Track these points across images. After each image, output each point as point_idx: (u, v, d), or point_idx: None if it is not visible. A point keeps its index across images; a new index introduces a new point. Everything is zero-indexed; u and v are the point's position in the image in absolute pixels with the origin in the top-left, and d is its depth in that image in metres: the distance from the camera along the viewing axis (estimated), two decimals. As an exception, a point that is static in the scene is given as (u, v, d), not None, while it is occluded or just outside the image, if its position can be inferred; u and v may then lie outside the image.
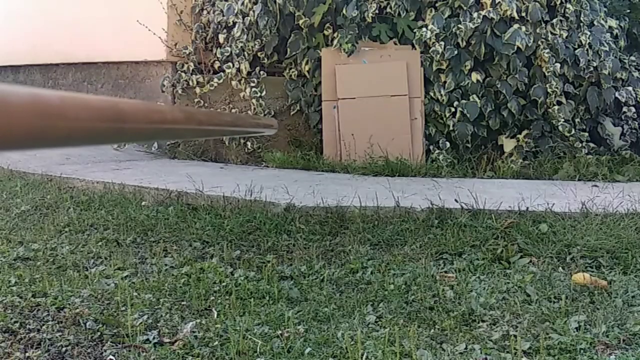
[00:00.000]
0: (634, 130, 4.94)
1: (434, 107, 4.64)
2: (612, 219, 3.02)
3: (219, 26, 5.02)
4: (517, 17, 4.59)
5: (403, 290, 2.38)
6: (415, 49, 4.67)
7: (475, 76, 4.60)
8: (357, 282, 2.48)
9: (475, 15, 4.54)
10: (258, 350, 1.92)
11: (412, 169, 4.34)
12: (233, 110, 4.94)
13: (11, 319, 2.13)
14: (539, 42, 4.65)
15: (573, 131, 4.65)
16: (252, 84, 4.90)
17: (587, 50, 4.72)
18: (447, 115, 4.60)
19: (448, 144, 4.60)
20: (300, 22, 4.75)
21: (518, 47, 4.54)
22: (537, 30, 4.66)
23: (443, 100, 4.61)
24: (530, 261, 2.67)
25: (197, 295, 2.32)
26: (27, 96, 0.21)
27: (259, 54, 4.94)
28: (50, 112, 0.22)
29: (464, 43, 4.57)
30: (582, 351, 1.89)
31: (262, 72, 4.95)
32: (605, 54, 4.76)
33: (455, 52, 4.56)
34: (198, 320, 2.13)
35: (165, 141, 5.18)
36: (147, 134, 0.27)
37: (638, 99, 4.94)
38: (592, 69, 4.74)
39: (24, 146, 0.22)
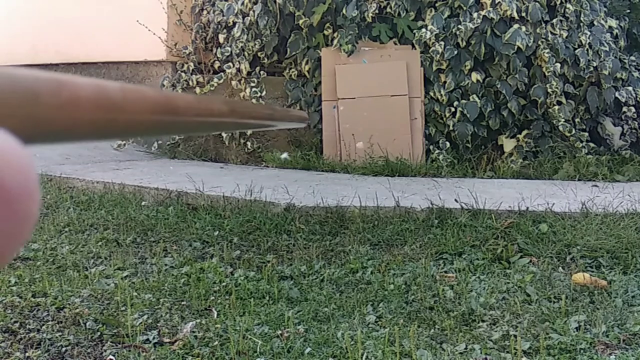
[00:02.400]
0: (634, 130, 4.94)
1: (434, 107, 4.65)
2: (612, 219, 3.02)
3: (219, 26, 5.02)
4: (517, 17, 4.59)
5: (403, 290, 2.38)
6: (415, 49, 4.68)
7: (475, 76, 4.61)
8: (357, 282, 2.48)
9: (475, 15, 4.54)
10: (258, 350, 1.92)
11: (412, 169, 4.34)
12: (233, 110, 4.94)
13: (11, 319, 2.13)
14: (539, 42, 4.65)
15: (573, 131, 4.65)
16: (252, 84, 4.90)
17: (587, 50, 4.72)
18: (447, 115, 4.60)
19: (448, 144, 4.60)
20: (300, 22, 4.76)
21: (518, 47, 4.54)
22: (537, 30, 4.66)
23: (443, 100, 4.61)
24: (530, 261, 2.67)
25: (197, 295, 2.32)
26: (92, 87, 0.21)
27: (259, 54, 4.94)
28: (112, 105, 0.22)
29: (464, 43, 4.57)
30: (582, 351, 1.89)
31: (262, 72, 4.95)
32: (605, 54, 4.76)
33: (455, 52, 4.57)
34: (198, 320, 2.13)
35: (165, 141, 5.18)
36: (196, 127, 0.28)
37: (638, 99, 4.94)
38: (592, 69, 4.74)
39: (85, 138, 0.22)
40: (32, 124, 0.19)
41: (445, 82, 4.61)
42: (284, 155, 4.49)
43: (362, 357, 1.86)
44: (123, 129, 0.23)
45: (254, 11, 4.82)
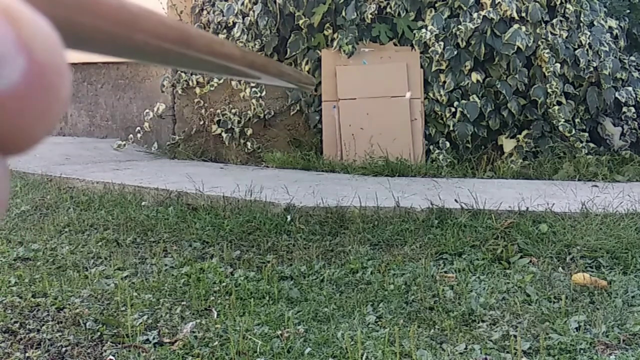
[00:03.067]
0: (634, 130, 4.94)
1: (434, 108, 4.65)
2: (612, 219, 3.02)
3: (219, 26, 5.02)
4: (517, 17, 4.59)
5: (403, 290, 2.38)
6: (415, 50, 4.68)
7: (475, 76, 4.61)
8: (357, 282, 2.48)
9: (475, 15, 4.54)
10: (258, 350, 1.92)
11: (412, 169, 4.34)
12: (233, 111, 4.94)
13: (11, 319, 2.13)
14: (539, 42, 4.65)
15: (573, 131, 4.65)
16: (252, 84, 4.90)
17: (587, 50, 4.72)
18: (447, 115, 4.60)
19: (448, 144, 4.60)
20: (300, 22, 4.76)
21: (518, 47, 4.54)
22: (537, 31, 4.66)
23: (443, 100, 4.61)
24: (530, 261, 2.67)
25: (197, 295, 2.32)
26: (115, 1, 0.22)
27: (258, 53, 4.93)
28: (131, 21, 0.22)
29: (464, 43, 4.57)
30: (582, 351, 1.89)
31: (262, 72, 4.94)
32: (605, 54, 4.76)
33: (455, 52, 4.57)
34: (198, 320, 2.13)
35: (165, 141, 5.18)
36: (205, 64, 0.28)
37: (638, 99, 4.94)
38: (592, 69, 4.74)
39: (100, 50, 0.23)
40: (56, 20, 0.19)
41: (445, 82, 4.61)
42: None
43: (362, 357, 1.86)
44: (137, 48, 0.23)
45: (254, 11, 4.82)
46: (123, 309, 2.21)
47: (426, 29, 4.60)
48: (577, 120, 4.78)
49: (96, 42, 0.21)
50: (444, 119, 4.63)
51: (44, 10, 0.19)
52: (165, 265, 2.66)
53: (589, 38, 4.74)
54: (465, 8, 4.57)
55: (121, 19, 0.21)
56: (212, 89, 4.98)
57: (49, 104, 0.19)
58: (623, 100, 4.85)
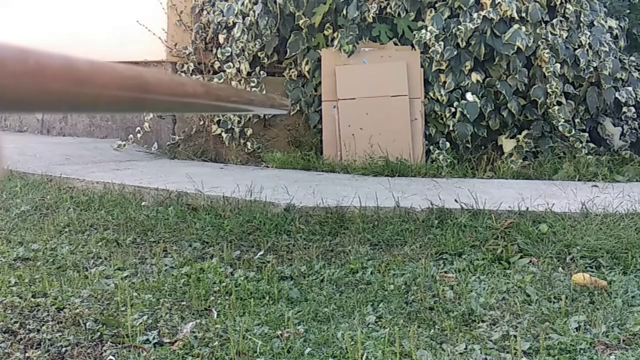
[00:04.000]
0: (634, 130, 4.94)
1: (434, 108, 4.65)
2: (612, 219, 3.02)
3: (219, 26, 5.02)
4: (517, 18, 4.59)
5: (403, 290, 2.38)
6: (415, 49, 4.68)
7: (475, 76, 4.61)
8: (357, 282, 2.48)
9: (475, 15, 4.54)
10: (258, 350, 1.92)
11: (412, 169, 4.34)
12: (233, 111, 4.94)
13: (11, 319, 2.13)
14: (539, 43, 4.65)
15: (573, 131, 4.65)
16: (252, 84, 4.90)
17: (587, 50, 4.72)
18: (447, 115, 4.60)
19: (448, 144, 4.60)
20: (300, 22, 4.76)
21: (518, 48, 4.54)
22: (537, 31, 4.66)
23: (443, 100, 4.61)
24: (530, 261, 2.67)
25: (197, 296, 2.32)
26: (60, 61, 0.22)
27: (259, 54, 4.94)
28: (81, 78, 0.22)
29: (464, 43, 4.57)
30: (582, 351, 1.89)
31: (262, 73, 4.95)
32: (605, 54, 4.76)
33: (455, 52, 4.57)
34: (198, 320, 2.13)
35: (165, 141, 5.18)
36: (167, 105, 0.28)
37: (638, 99, 4.94)
38: (592, 69, 4.74)
39: (54, 109, 0.23)
40: None
41: (445, 82, 4.62)
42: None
43: (362, 358, 1.86)
44: (92, 102, 0.23)
45: (254, 11, 4.82)
46: (123, 309, 2.21)
47: (426, 30, 4.60)
48: (577, 120, 4.78)
49: (47, 103, 0.21)
50: (444, 119, 4.63)
51: None
52: (165, 265, 2.66)
53: (589, 38, 4.74)
54: (465, 8, 4.57)
55: (69, 78, 0.21)
56: (212, 89, 4.98)
57: None
58: (623, 100, 4.85)
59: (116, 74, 0.24)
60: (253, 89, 4.87)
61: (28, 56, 0.21)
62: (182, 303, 2.29)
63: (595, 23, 4.94)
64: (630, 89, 4.91)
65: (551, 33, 4.70)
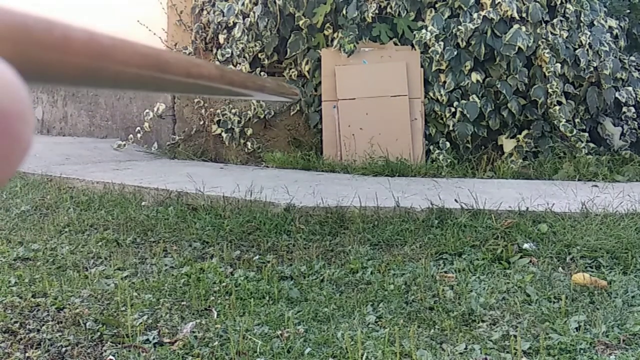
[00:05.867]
0: (634, 130, 4.94)
1: (434, 108, 4.65)
2: (612, 219, 3.02)
3: (219, 27, 5.02)
4: (517, 18, 4.59)
5: (403, 290, 2.38)
6: (415, 49, 4.68)
7: (475, 76, 4.61)
8: (357, 282, 2.48)
9: (475, 15, 4.54)
10: (258, 350, 1.92)
11: (412, 169, 4.34)
12: (233, 111, 4.94)
13: (11, 319, 2.13)
14: (539, 43, 4.65)
15: (573, 131, 4.65)
16: (252, 84, 4.90)
17: (587, 50, 4.72)
18: (447, 115, 4.60)
19: (448, 144, 4.60)
20: (300, 22, 4.76)
21: (518, 48, 4.54)
22: (538, 31, 4.66)
23: (443, 100, 4.61)
24: (530, 261, 2.67)
25: (197, 295, 2.32)
26: (84, 32, 0.22)
27: (259, 54, 4.94)
28: (103, 52, 0.22)
29: (464, 43, 4.57)
30: (582, 351, 1.89)
31: (262, 73, 4.95)
32: (605, 54, 4.76)
33: (455, 52, 4.57)
34: (198, 320, 2.13)
35: (165, 141, 5.18)
36: (183, 87, 0.28)
37: (638, 99, 4.94)
38: (592, 69, 4.74)
39: (74, 82, 0.23)
40: (24, 59, 0.19)
41: (445, 82, 4.62)
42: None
43: (362, 357, 1.86)
44: (112, 78, 0.24)
45: (254, 12, 4.82)
46: (123, 309, 2.21)
47: (426, 30, 4.60)
48: (577, 120, 4.78)
49: (69, 77, 0.22)
50: (444, 119, 4.63)
51: (8, 52, 0.19)
52: (165, 265, 2.66)
53: (589, 38, 4.74)
54: (465, 8, 4.57)
55: (92, 53, 0.22)
56: (212, 89, 4.98)
57: (11, 150, 0.18)
58: (623, 100, 4.85)
59: (136, 51, 0.24)
60: (253, 89, 4.87)
61: (54, 27, 0.21)
62: (182, 303, 2.29)
63: (595, 23, 4.94)
64: (630, 88, 4.91)
65: (551, 33, 4.70)
